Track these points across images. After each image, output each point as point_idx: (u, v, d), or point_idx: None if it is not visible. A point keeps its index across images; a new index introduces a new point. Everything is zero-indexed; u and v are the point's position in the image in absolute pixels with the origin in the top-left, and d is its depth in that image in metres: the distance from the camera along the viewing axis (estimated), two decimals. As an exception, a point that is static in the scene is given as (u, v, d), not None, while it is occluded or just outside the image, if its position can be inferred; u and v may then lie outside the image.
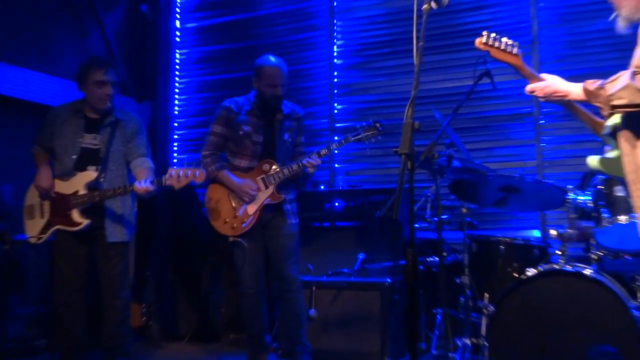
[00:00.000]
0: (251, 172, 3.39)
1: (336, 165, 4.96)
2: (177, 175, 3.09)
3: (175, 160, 5.56)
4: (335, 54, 5.07)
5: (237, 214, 3.34)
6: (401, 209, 1.99)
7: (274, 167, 3.36)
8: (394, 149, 2.05)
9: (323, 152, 3.33)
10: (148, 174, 3.33)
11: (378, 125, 3.34)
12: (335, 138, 4.93)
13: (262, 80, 3.35)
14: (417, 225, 3.56)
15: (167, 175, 3.10)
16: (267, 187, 3.35)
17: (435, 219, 3.39)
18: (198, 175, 3.10)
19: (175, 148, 5.60)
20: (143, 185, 3.15)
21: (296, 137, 3.52)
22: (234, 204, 3.36)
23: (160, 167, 3.67)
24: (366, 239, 4.04)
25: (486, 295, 3.24)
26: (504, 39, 2.28)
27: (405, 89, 4.72)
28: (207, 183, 3.42)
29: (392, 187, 4.18)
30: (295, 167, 3.31)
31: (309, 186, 4.46)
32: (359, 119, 4.90)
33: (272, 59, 3.39)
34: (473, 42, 2.31)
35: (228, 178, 3.37)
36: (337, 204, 4.22)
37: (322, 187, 4.58)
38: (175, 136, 5.62)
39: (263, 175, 3.37)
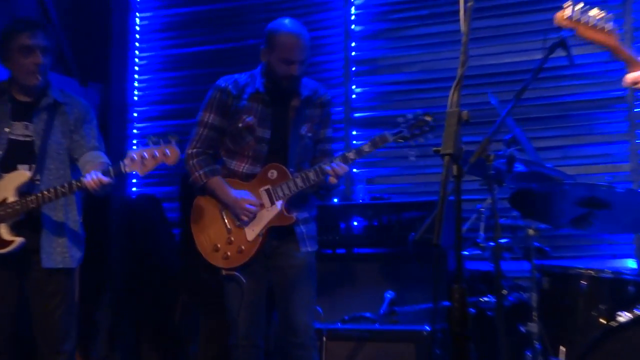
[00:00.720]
0: (252, 180, 3.38)
1: (354, 170, 4.97)
2: (142, 157, 3.10)
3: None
4: (352, 17, 5.11)
5: (233, 239, 3.34)
6: (444, 231, 2.00)
7: (283, 174, 3.34)
8: (435, 148, 2.07)
9: (351, 155, 3.27)
10: (102, 168, 3.35)
11: (429, 118, 3.27)
12: (354, 132, 4.94)
13: (273, 52, 3.33)
14: (466, 253, 3.56)
15: (127, 160, 3.12)
16: (273, 203, 3.34)
17: (492, 244, 3.40)
18: (169, 153, 3.10)
19: (135, 147, 5.64)
20: (94, 176, 3.14)
21: (319, 130, 3.47)
22: (228, 225, 3.34)
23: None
24: (396, 272, 4.04)
25: (562, 349, 3.23)
26: (594, 11, 2.28)
27: (449, 66, 4.73)
28: (183, 194, 3.44)
29: (431, 199, 4.20)
30: (312, 175, 3.26)
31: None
32: (384, 106, 4.92)
33: (289, 23, 3.37)
34: (543, 2, 2.32)
35: (221, 188, 3.34)
36: (355, 223, 4.22)
37: (335, 200, 4.60)
38: (135, 131, 5.68)
39: (268, 186, 3.33)
